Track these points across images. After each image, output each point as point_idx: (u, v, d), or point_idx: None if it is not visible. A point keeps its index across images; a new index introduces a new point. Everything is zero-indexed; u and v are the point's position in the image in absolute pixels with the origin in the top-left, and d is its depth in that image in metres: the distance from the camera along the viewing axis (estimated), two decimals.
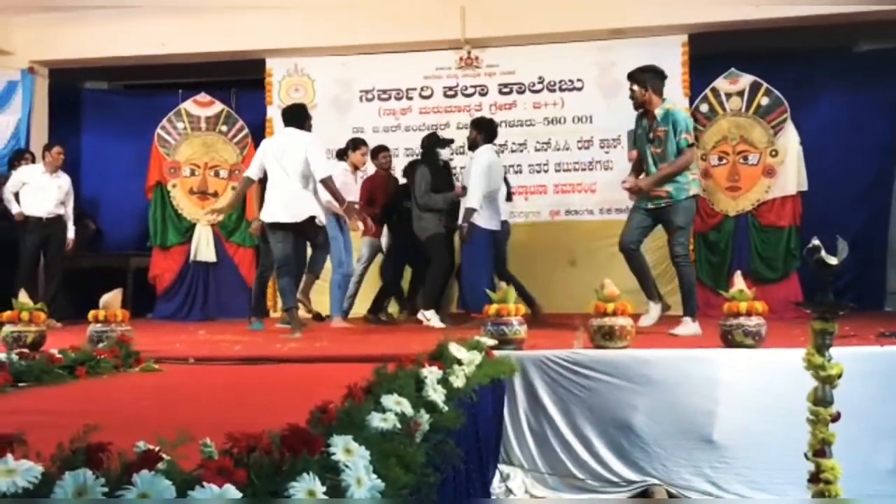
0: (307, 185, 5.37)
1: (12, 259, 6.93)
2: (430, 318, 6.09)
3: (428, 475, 1.66)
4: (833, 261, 2.57)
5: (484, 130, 6.18)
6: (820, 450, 2.53)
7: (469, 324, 5.68)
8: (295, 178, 5.34)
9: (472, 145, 6.22)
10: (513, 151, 7.58)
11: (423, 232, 6.32)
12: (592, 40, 7.46)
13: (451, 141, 6.73)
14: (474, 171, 5.97)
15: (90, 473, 1.11)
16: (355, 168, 6.63)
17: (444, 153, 6.51)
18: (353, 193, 6.52)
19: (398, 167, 7.13)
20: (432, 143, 6.53)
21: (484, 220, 5.96)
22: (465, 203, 6.01)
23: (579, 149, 7.55)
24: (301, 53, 7.88)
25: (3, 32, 7.88)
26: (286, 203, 5.35)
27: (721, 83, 7.31)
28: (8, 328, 4.02)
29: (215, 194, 8.10)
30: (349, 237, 6.42)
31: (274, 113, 7.93)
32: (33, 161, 7.33)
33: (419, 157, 6.70)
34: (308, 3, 7.43)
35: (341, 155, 6.82)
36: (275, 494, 1.20)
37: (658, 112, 4.96)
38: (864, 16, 6.91)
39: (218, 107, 8.22)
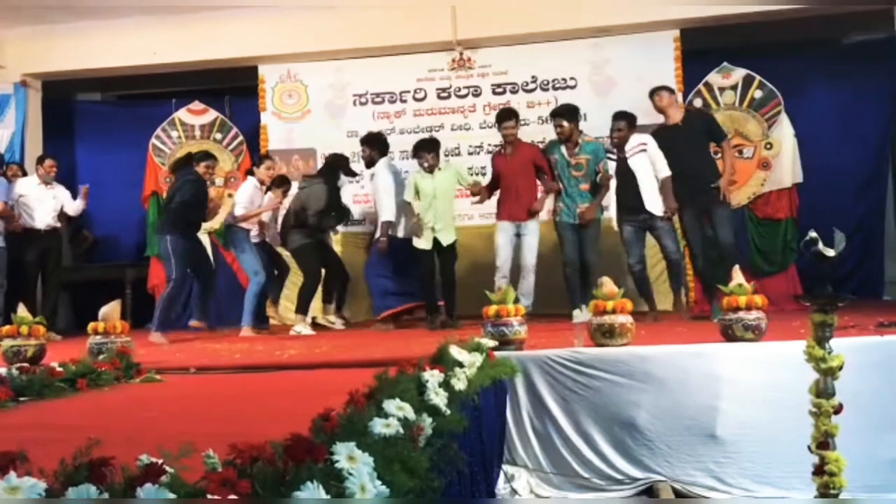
0: None
1: (11, 272, 6.90)
2: (300, 330, 6.27)
3: (432, 479, 1.66)
4: (830, 252, 2.58)
5: (376, 146, 6.50)
6: (823, 442, 2.53)
7: (377, 326, 6.34)
8: None
9: (370, 163, 6.53)
10: None
11: (292, 244, 6.60)
12: (584, 38, 7.45)
13: (358, 175, 7.10)
14: (381, 188, 6.33)
15: (94, 489, 1.11)
16: (261, 182, 6.74)
17: (343, 180, 6.75)
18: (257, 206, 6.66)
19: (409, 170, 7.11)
20: (340, 166, 6.70)
21: (399, 230, 6.39)
22: (381, 217, 6.34)
23: None
24: (293, 59, 7.86)
25: None
26: None
27: (714, 77, 7.32)
28: (7, 342, 4.00)
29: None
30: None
31: (268, 119, 7.92)
32: (23, 173, 7.29)
33: (318, 173, 6.88)
34: (299, 9, 7.42)
35: (251, 171, 6.99)
36: None
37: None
38: (852, 7, 6.92)
39: (212, 115, 8.22)
